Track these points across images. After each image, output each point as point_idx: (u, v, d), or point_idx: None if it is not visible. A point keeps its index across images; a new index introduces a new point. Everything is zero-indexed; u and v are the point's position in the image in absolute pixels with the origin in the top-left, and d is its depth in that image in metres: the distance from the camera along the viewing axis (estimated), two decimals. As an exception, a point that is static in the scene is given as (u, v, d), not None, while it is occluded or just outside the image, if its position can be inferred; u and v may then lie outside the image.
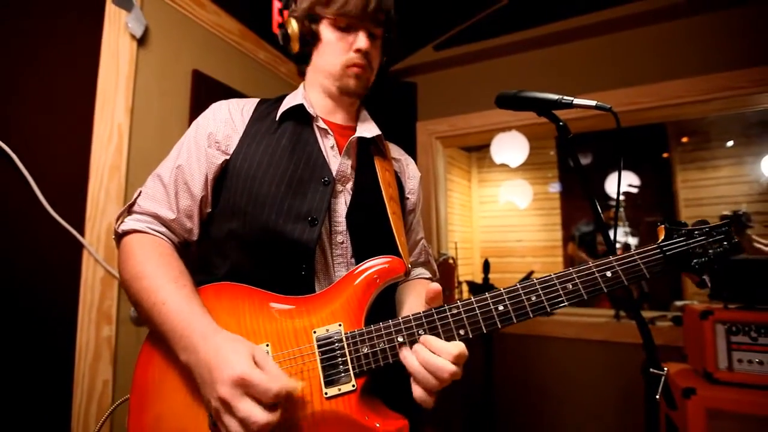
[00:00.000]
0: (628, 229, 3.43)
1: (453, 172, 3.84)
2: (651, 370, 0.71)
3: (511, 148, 3.11)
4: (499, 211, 4.27)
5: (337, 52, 0.77)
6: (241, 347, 0.56)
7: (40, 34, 1.00)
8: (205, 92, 1.42)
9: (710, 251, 0.62)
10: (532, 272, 2.59)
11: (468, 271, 4.01)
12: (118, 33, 1.17)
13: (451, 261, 2.47)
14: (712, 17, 1.88)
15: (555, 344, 2.17)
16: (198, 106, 1.38)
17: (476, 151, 4.30)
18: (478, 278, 2.37)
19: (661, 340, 1.81)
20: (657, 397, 0.69)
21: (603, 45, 2.08)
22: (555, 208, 4.07)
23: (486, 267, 2.34)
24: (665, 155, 3.63)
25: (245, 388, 0.52)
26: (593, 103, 0.76)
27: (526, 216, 4.16)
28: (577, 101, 0.77)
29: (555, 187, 4.11)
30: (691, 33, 1.92)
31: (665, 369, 0.70)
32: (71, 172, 1.06)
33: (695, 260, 0.62)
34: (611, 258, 0.61)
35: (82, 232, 1.06)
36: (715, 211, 3.09)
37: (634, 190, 3.54)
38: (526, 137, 2.65)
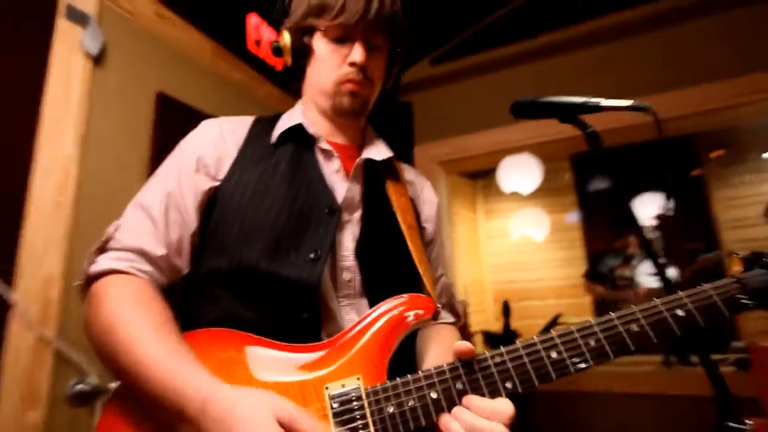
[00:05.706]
0: (662, 260, 3.43)
1: (456, 203, 3.87)
2: (729, 424, 0.68)
3: (520, 172, 3.15)
4: (511, 247, 4.27)
5: (329, 66, 0.78)
6: (259, 414, 0.52)
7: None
8: (172, 117, 1.42)
9: None
10: (558, 316, 2.55)
11: (480, 319, 3.93)
12: (70, 51, 1.18)
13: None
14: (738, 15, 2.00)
15: (596, 400, 2.10)
16: (163, 132, 1.38)
17: (481, 178, 4.38)
18: (494, 327, 2.31)
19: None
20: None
21: (616, 51, 2.18)
22: (576, 239, 4.09)
23: (506, 311, 2.30)
24: (696, 172, 3.73)
25: None
26: (628, 102, 0.76)
27: (544, 251, 4.17)
28: (606, 103, 0.77)
29: (574, 216, 4.16)
30: (710, 34, 2.03)
31: (749, 422, 0.66)
32: (1, 213, 1.02)
33: None
34: (681, 294, 0.61)
35: (11, 287, 1.00)
36: (766, 232, 3.13)
37: (668, 213, 3.60)
38: (538, 158, 2.71)
